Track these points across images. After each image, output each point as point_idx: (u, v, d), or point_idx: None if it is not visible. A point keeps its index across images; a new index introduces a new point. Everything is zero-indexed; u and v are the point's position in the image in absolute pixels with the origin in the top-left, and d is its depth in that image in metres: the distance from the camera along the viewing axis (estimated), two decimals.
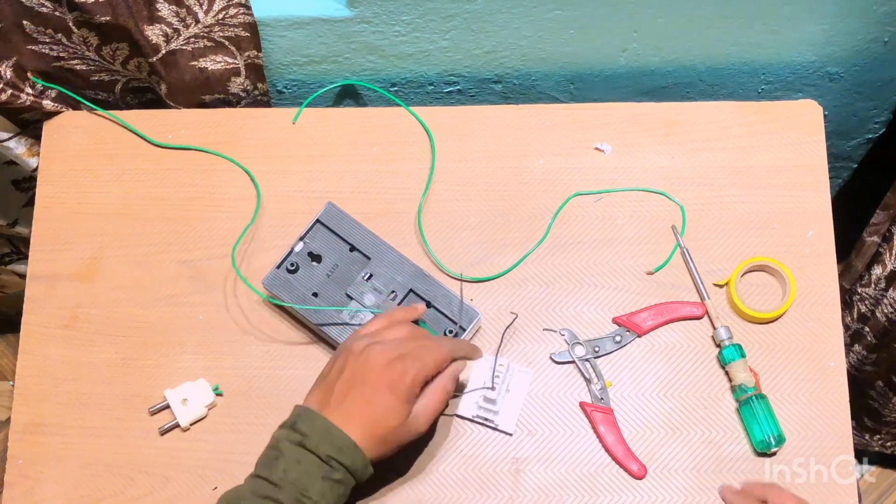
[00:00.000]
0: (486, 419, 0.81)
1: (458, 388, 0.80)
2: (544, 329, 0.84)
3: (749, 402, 0.79)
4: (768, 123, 0.90)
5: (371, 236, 0.84)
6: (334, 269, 0.84)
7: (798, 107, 0.90)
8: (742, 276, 0.84)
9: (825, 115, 0.90)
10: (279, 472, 0.67)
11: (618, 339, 0.83)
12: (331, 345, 0.84)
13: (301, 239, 0.84)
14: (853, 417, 0.80)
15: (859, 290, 1.03)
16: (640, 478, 0.79)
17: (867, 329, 1.05)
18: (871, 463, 1.42)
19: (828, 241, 0.86)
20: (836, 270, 0.85)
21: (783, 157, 0.88)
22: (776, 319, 0.84)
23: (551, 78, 0.98)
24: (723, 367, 0.82)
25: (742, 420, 0.80)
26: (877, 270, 0.98)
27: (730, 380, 0.81)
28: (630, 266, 0.86)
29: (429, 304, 0.82)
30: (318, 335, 0.85)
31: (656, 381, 0.82)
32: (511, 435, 0.81)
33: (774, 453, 0.79)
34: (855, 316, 1.06)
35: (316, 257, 0.84)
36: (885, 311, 0.99)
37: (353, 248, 0.84)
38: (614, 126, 0.90)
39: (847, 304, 1.06)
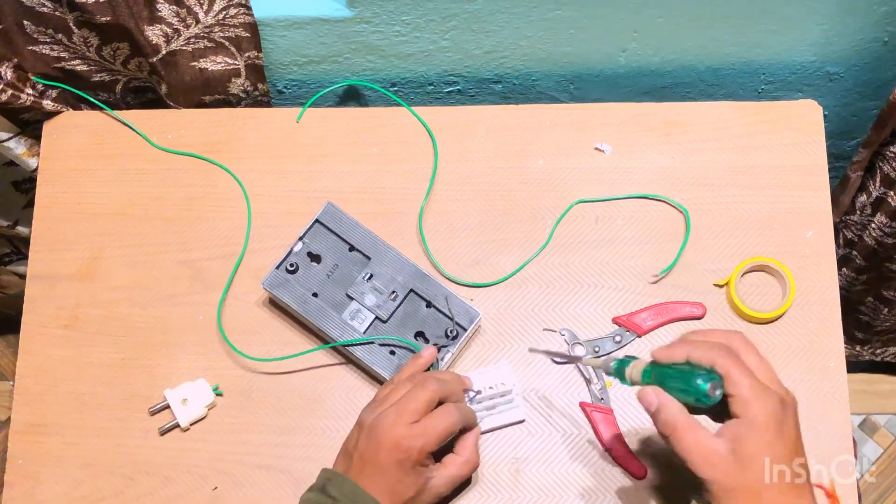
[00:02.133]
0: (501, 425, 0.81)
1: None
2: (544, 329, 0.84)
3: (650, 371, 0.65)
4: (768, 123, 0.90)
5: (371, 236, 0.84)
6: (334, 270, 0.84)
7: (798, 107, 0.90)
8: (742, 276, 0.84)
9: (825, 115, 0.90)
10: None
11: (618, 339, 0.83)
12: (326, 342, 0.84)
13: (300, 239, 0.84)
14: (844, 333, 0.83)
15: (844, 218, 1.06)
16: (640, 478, 0.79)
17: (855, 253, 1.09)
18: (856, 372, 1.50)
19: (828, 241, 0.86)
20: (836, 270, 0.85)
21: (783, 157, 0.88)
22: (776, 319, 0.84)
23: (551, 78, 0.98)
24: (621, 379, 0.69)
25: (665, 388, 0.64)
26: (861, 198, 1.01)
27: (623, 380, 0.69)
28: (630, 266, 0.86)
29: (428, 304, 0.82)
30: (318, 336, 0.85)
31: None
32: (524, 421, 0.81)
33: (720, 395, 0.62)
34: (841, 242, 1.09)
35: (315, 257, 0.84)
36: (874, 234, 1.02)
37: (352, 248, 0.84)
38: (614, 126, 0.90)
39: (834, 234, 1.09)
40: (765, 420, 0.59)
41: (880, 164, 0.95)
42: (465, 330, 0.81)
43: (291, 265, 0.83)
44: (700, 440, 0.59)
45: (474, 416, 0.76)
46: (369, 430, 0.71)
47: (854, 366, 1.46)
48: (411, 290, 0.82)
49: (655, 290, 0.85)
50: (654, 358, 0.64)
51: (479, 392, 0.80)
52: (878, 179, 0.97)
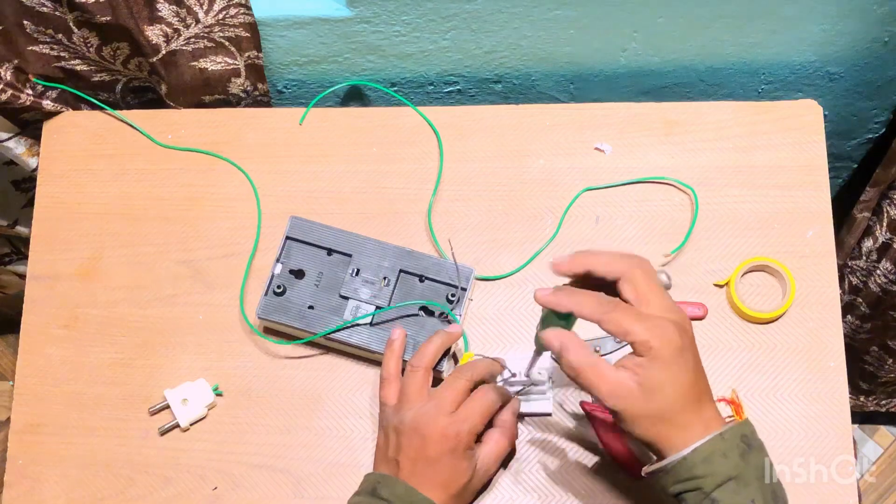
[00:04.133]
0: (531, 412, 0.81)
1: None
2: None
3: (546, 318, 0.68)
4: (768, 123, 0.90)
5: (345, 234, 0.84)
6: (320, 278, 0.83)
7: (798, 107, 0.90)
8: (742, 276, 0.84)
9: (825, 115, 0.90)
10: None
11: (618, 339, 0.83)
12: (331, 347, 0.84)
13: (278, 261, 0.83)
14: (848, 382, 0.83)
15: (850, 263, 1.05)
16: (640, 478, 0.79)
17: (860, 300, 1.07)
18: (860, 422, 1.49)
19: (828, 241, 0.86)
20: (837, 270, 0.85)
21: (783, 157, 0.88)
22: (776, 319, 0.84)
23: (551, 78, 0.98)
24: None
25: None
26: (867, 243, 1.00)
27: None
28: None
29: (421, 279, 0.82)
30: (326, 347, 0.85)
31: None
32: (551, 415, 0.81)
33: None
34: (846, 288, 1.08)
35: (298, 273, 0.84)
36: (879, 281, 1.01)
37: (331, 252, 0.84)
38: (614, 126, 0.90)
39: (839, 278, 1.08)
40: (668, 354, 0.61)
41: (888, 207, 0.94)
42: (465, 290, 0.81)
43: (278, 287, 0.83)
44: (605, 375, 0.62)
45: (507, 391, 0.77)
46: (412, 429, 0.71)
47: (857, 416, 1.44)
48: (401, 271, 0.83)
49: None
50: (540, 303, 0.65)
51: (514, 375, 0.80)
52: (884, 224, 0.95)
